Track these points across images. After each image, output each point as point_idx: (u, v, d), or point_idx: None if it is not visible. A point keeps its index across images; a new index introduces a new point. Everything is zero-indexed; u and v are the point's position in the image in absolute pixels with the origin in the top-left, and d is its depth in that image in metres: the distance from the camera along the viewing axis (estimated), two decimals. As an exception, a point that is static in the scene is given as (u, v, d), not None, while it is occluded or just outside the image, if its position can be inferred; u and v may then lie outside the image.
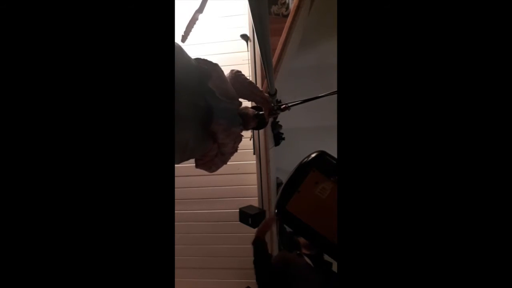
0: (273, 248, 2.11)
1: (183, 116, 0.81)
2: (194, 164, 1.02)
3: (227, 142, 0.99)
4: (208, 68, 0.94)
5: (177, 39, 0.94)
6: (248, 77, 1.61)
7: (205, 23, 2.04)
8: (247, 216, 1.95)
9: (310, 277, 1.19)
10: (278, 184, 2.45)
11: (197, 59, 0.96)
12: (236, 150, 1.07)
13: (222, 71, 1.00)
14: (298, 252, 1.31)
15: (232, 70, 1.06)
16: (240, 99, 1.08)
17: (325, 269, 1.26)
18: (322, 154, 0.96)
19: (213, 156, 0.99)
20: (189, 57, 0.92)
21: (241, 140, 1.08)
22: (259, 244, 1.22)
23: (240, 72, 1.06)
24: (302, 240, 1.39)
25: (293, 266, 1.23)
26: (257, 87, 1.15)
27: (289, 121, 2.42)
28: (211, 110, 0.91)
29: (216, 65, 0.98)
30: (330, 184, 0.90)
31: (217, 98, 0.93)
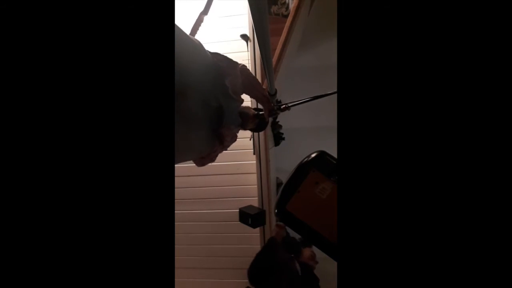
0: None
1: (198, 117, 0.81)
2: (194, 164, 1.02)
3: (229, 144, 0.99)
4: (224, 66, 0.92)
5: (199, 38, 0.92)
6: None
7: (205, 23, 2.04)
8: (247, 216, 1.95)
9: (293, 280, 1.23)
10: (278, 184, 2.45)
11: (214, 54, 0.93)
12: (226, 149, 1.06)
13: (238, 69, 0.98)
14: (293, 255, 1.34)
15: (238, 64, 1.04)
16: (242, 96, 1.07)
17: (311, 282, 1.30)
18: (322, 154, 0.96)
19: (214, 156, 0.99)
20: (207, 54, 0.90)
21: (236, 139, 1.07)
22: (272, 241, 1.29)
23: (245, 66, 1.05)
24: (307, 252, 1.42)
25: (282, 265, 1.26)
26: (260, 83, 1.14)
27: (289, 121, 2.42)
28: (221, 111, 0.90)
29: (235, 63, 0.96)
30: (330, 184, 0.89)
31: (229, 96, 0.92)
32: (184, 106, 0.73)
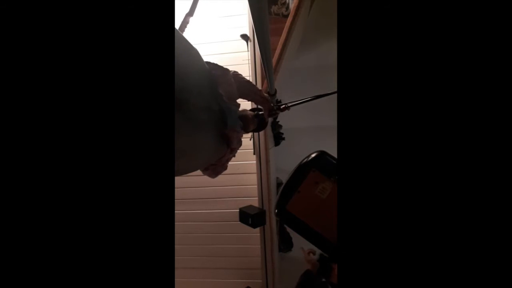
0: (273, 248, 2.11)
1: (202, 122, 0.82)
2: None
3: (237, 147, 1.00)
4: (217, 74, 0.94)
5: (196, 43, 0.93)
6: (247, 77, 1.60)
7: (205, 23, 2.04)
8: (247, 216, 1.95)
9: None
10: (278, 184, 2.44)
11: (208, 63, 0.95)
12: (234, 155, 1.08)
13: (231, 76, 1.00)
14: (324, 279, 1.33)
15: (230, 71, 1.06)
16: (239, 100, 1.09)
17: None
18: (322, 154, 0.96)
19: (225, 161, 1.00)
20: (203, 62, 0.92)
21: (241, 144, 1.09)
22: (308, 275, 1.31)
23: (237, 72, 1.06)
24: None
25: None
26: (255, 86, 1.15)
27: (289, 121, 2.42)
28: (224, 115, 0.91)
29: (226, 70, 0.98)
30: (330, 184, 0.89)
31: (225, 102, 0.93)
32: (188, 111, 0.74)
